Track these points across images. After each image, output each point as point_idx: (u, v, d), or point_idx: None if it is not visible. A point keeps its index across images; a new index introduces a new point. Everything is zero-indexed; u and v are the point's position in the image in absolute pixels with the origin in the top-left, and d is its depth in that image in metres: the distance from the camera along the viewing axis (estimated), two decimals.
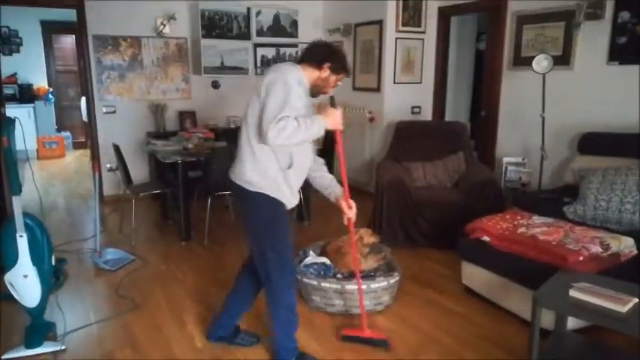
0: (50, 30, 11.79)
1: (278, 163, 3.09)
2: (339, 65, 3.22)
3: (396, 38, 7.23)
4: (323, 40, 3.47)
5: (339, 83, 3.32)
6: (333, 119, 3.08)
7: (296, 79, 2.98)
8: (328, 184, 3.53)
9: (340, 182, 3.53)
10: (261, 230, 3.19)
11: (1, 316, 3.98)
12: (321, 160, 3.57)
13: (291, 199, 3.23)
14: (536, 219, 4.27)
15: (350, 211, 3.50)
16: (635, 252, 3.81)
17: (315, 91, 3.22)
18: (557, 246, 3.70)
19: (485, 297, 4.28)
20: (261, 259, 3.23)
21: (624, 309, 2.78)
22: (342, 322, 4.00)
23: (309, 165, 3.34)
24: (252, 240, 3.28)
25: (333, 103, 3.20)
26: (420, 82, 7.58)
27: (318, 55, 3.19)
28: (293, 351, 3.40)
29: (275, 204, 3.15)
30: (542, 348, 3.10)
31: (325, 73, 3.19)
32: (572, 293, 2.97)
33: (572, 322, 3.50)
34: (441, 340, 3.78)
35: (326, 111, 3.09)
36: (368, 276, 4.20)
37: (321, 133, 3.00)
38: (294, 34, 8.24)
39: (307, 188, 5.75)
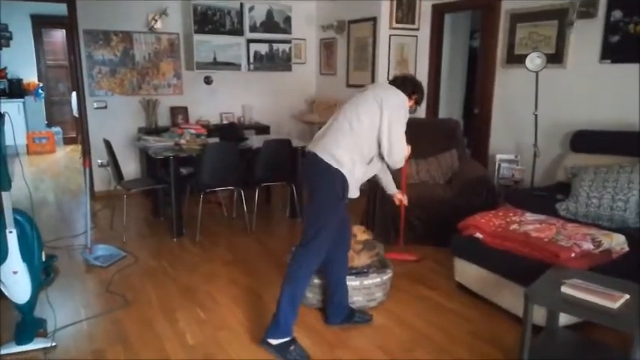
0: (40, 24, 11.72)
1: (363, 156, 3.47)
2: (421, 97, 3.79)
3: (390, 35, 7.23)
4: (411, 75, 4.02)
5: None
6: (408, 150, 3.74)
7: (407, 106, 3.58)
8: (390, 180, 4.15)
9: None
10: (322, 202, 3.45)
11: None
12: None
13: (355, 189, 3.50)
14: (529, 216, 4.28)
15: (405, 199, 4.30)
16: (627, 249, 3.82)
17: None
18: (549, 243, 3.70)
19: (478, 293, 4.28)
20: (310, 234, 3.46)
21: (615, 305, 2.79)
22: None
23: (376, 168, 3.74)
24: (313, 210, 3.52)
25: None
26: None
27: (408, 86, 3.68)
28: (290, 332, 3.53)
29: (346, 185, 3.40)
30: (534, 344, 3.10)
31: (411, 102, 3.69)
32: (564, 290, 2.98)
33: (563, 319, 3.50)
34: (433, 336, 3.78)
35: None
36: (361, 272, 4.19)
37: (405, 154, 3.63)
38: (287, 31, 8.22)
39: (301, 187, 5.75)
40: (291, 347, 3.46)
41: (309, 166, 3.52)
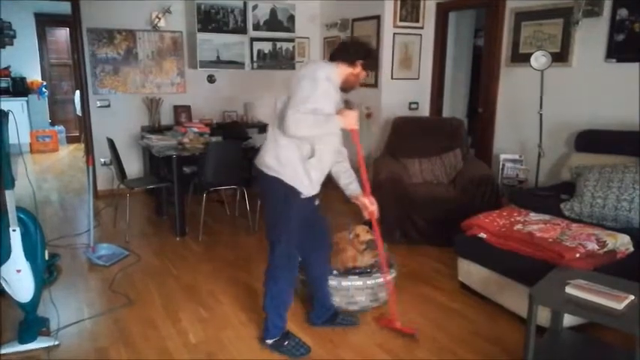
0: (44, 23, 11.72)
1: (300, 152, 3.26)
2: (370, 63, 3.45)
3: (394, 34, 7.20)
4: (356, 38, 3.73)
5: (366, 77, 3.55)
6: (349, 120, 3.25)
7: (325, 75, 3.17)
8: (346, 181, 3.73)
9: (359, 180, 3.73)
10: (271, 211, 3.43)
11: None
12: (344, 151, 3.75)
13: (308, 188, 3.37)
14: (533, 216, 4.27)
15: (372, 205, 3.74)
16: (632, 249, 3.81)
17: (346, 86, 3.38)
18: (553, 243, 3.69)
19: (482, 294, 4.27)
20: (269, 235, 3.47)
21: (620, 306, 2.78)
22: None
23: (330, 158, 3.50)
24: (266, 219, 3.52)
25: (349, 105, 3.38)
26: (418, 78, 7.56)
27: (352, 53, 3.35)
28: (281, 329, 3.59)
29: (288, 190, 3.30)
30: (537, 345, 3.09)
31: (357, 69, 3.36)
32: (569, 290, 2.97)
33: (568, 319, 3.49)
34: (436, 336, 3.78)
35: (343, 112, 3.25)
36: (364, 272, 4.18)
37: (336, 130, 3.30)
38: (290, 29, 8.20)
39: None
40: (286, 342, 3.54)
41: (256, 179, 3.51)
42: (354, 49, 3.39)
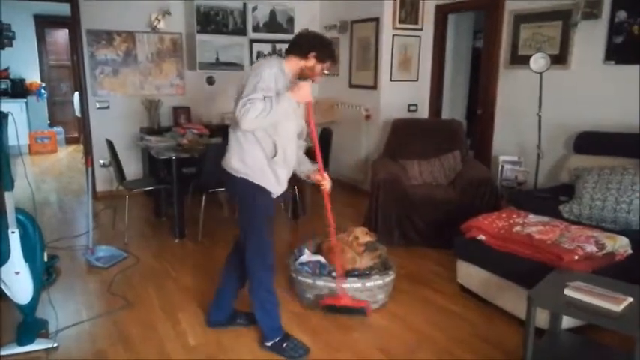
0: (43, 24, 11.71)
1: (263, 152, 3.28)
2: (324, 54, 3.36)
3: (393, 35, 7.21)
4: (308, 30, 3.67)
5: (327, 71, 3.45)
6: (302, 91, 3.15)
7: (273, 71, 3.16)
8: (301, 161, 3.69)
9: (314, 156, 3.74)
10: (243, 213, 3.42)
11: None
12: (302, 144, 3.72)
13: (276, 187, 3.40)
14: (532, 218, 4.27)
15: (325, 182, 3.69)
16: (630, 251, 3.81)
17: (304, 77, 3.33)
18: (552, 245, 3.69)
19: (481, 296, 4.27)
20: (244, 240, 3.46)
21: (619, 308, 2.80)
22: (336, 321, 3.98)
23: (293, 154, 3.49)
24: (239, 222, 3.49)
25: (302, 76, 3.33)
26: (417, 80, 7.57)
27: (303, 45, 3.34)
28: (278, 330, 3.59)
29: (257, 190, 3.33)
30: (536, 347, 3.09)
31: (310, 62, 3.33)
32: (567, 292, 2.98)
33: (566, 321, 3.50)
34: (435, 338, 3.78)
35: (294, 85, 3.17)
36: (363, 274, 4.19)
37: (291, 106, 3.14)
38: (290, 31, 8.21)
39: (303, 184, 5.75)
40: (284, 344, 3.53)
41: (224, 180, 3.50)
42: (305, 40, 3.37)
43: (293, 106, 3.17)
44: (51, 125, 11.97)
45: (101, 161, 7.16)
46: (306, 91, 3.17)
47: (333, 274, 4.19)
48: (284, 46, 7.88)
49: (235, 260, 3.71)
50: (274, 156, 3.29)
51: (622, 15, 5.08)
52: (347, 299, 3.95)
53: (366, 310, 3.94)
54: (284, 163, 3.39)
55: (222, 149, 5.74)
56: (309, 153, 3.76)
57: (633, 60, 5.03)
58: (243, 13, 7.80)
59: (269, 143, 3.27)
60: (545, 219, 4.24)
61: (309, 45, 3.33)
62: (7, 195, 3.38)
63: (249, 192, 3.33)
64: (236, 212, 3.53)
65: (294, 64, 3.33)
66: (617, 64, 5.17)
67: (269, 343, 3.56)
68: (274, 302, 3.59)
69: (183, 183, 5.79)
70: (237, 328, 3.84)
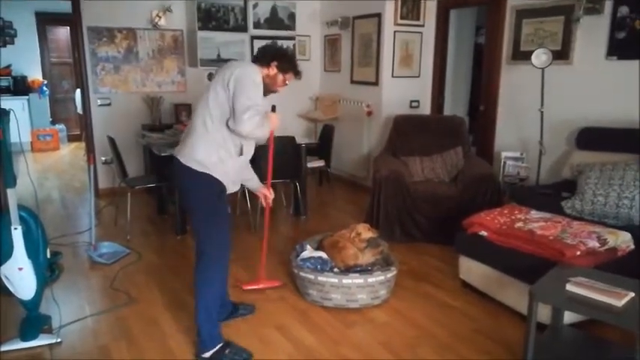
0: (45, 21, 11.72)
1: (229, 150, 3.34)
2: (285, 65, 3.52)
3: (395, 31, 7.21)
4: (274, 43, 3.85)
5: (288, 83, 3.59)
6: (275, 123, 3.55)
7: (259, 77, 3.31)
8: (248, 177, 3.85)
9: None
10: (201, 208, 3.39)
11: None
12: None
13: (231, 185, 3.51)
14: (534, 214, 4.27)
15: (271, 195, 4.02)
16: (632, 247, 3.81)
17: (265, 89, 3.41)
18: (554, 240, 3.69)
19: (482, 291, 4.28)
20: (198, 235, 3.43)
21: (620, 303, 2.79)
22: (338, 317, 3.99)
23: (249, 158, 3.61)
24: (192, 217, 3.49)
25: (274, 109, 3.63)
26: (419, 76, 7.56)
27: (267, 55, 3.52)
28: (217, 337, 3.45)
29: (218, 185, 3.36)
30: (538, 342, 3.09)
31: (273, 71, 3.48)
32: (569, 287, 2.98)
33: (568, 317, 3.50)
34: (437, 333, 3.78)
35: (271, 115, 3.51)
36: (365, 270, 4.20)
37: (268, 132, 3.49)
38: (291, 27, 8.21)
39: (305, 181, 5.76)
40: (227, 351, 3.41)
41: (177, 174, 3.44)
42: (267, 50, 3.59)
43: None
44: (53, 122, 11.98)
45: (103, 158, 7.17)
46: (277, 122, 3.58)
47: (335, 270, 4.21)
48: (285, 43, 8.03)
49: None
50: (240, 155, 3.42)
51: (624, 10, 5.07)
52: (263, 282, 4.48)
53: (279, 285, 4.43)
54: (244, 163, 3.59)
55: None
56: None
57: (636, 55, 5.02)
58: (244, 9, 7.79)
59: (237, 144, 3.37)
60: (547, 215, 4.24)
61: (271, 55, 3.51)
62: (9, 192, 3.39)
63: (210, 186, 3.34)
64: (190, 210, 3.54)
65: (260, 72, 3.42)
66: (620, 60, 5.16)
67: (208, 354, 3.38)
68: (217, 305, 3.50)
69: None
70: (242, 324, 3.84)
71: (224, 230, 3.46)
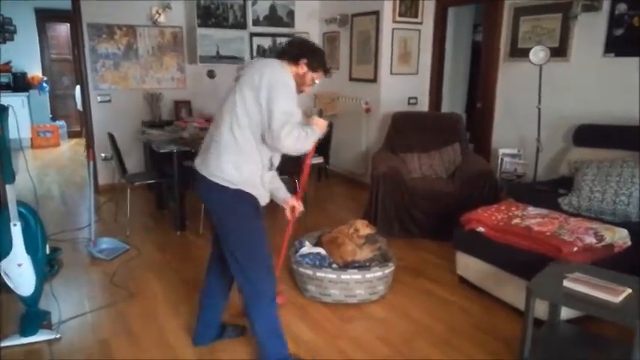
0: (44, 18, 11.72)
1: (260, 163, 3.01)
2: (316, 63, 3.16)
3: (393, 29, 7.22)
4: (301, 37, 3.43)
5: (317, 82, 3.25)
6: (323, 129, 3.12)
7: (291, 80, 2.96)
8: (276, 185, 3.43)
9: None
10: (238, 230, 3.04)
11: None
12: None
13: (264, 198, 3.18)
14: (531, 210, 4.29)
15: (299, 208, 3.51)
16: (629, 243, 3.83)
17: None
18: (551, 237, 3.71)
19: (480, 287, 4.30)
20: (236, 262, 3.06)
21: (617, 299, 2.81)
22: (337, 312, 4.01)
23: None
24: (228, 239, 3.07)
25: (321, 113, 3.29)
26: (417, 73, 7.57)
27: (295, 51, 3.14)
28: (285, 356, 3.21)
29: (253, 201, 3.05)
30: (535, 337, 3.12)
31: (302, 69, 3.12)
32: (566, 283, 2.99)
33: (565, 312, 3.51)
34: (434, 328, 3.81)
35: (317, 121, 3.11)
36: (363, 266, 4.22)
37: (315, 142, 3.06)
38: (290, 24, 8.22)
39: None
40: None
41: (203, 191, 3.08)
42: (296, 46, 3.21)
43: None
44: (53, 119, 11.99)
45: (103, 154, 7.17)
46: (324, 127, 3.14)
47: (333, 266, 4.23)
48: (284, 40, 8.00)
49: (216, 282, 3.50)
50: (270, 169, 3.13)
51: (622, 7, 5.08)
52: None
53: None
54: (271, 176, 3.25)
55: None
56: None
57: (633, 52, 5.03)
58: (243, 6, 7.80)
59: (267, 156, 3.05)
60: (545, 211, 4.26)
61: (302, 51, 3.14)
62: (8, 188, 3.40)
63: (245, 204, 3.01)
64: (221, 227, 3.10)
65: (289, 69, 3.08)
66: (618, 57, 5.18)
67: None
68: (278, 320, 3.21)
69: (184, 176, 5.80)
70: (242, 321, 3.85)
71: (264, 254, 3.11)
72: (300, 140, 2.82)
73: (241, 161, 2.95)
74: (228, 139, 2.93)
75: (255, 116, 2.88)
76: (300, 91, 3.11)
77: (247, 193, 2.99)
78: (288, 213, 3.53)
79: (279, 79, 2.88)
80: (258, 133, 2.91)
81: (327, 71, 3.26)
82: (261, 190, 3.10)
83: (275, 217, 4.36)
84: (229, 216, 3.03)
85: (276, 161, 3.20)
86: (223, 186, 2.94)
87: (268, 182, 3.18)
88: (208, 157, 3.01)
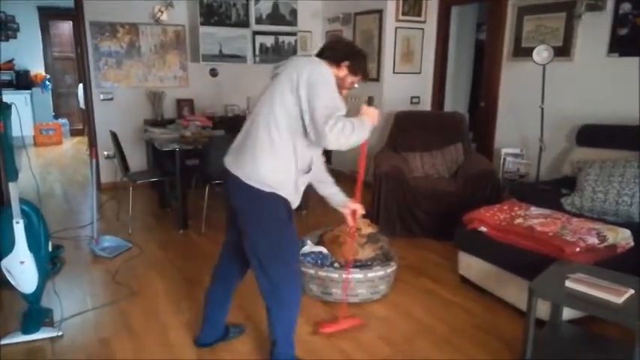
0: (47, 16, 11.73)
1: (297, 166, 2.89)
2: (358, 66, 3.06)
3: (396, 28, 7.21)
4: (345, 38, 3.29)
5: (356, 85, 3.14)
6: (375, 117, 2.96)
7: (332, 77, 2.82)
8: (332, 190, 3.43)
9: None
10: (268, 235, 2.94)
11: None
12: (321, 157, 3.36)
13: (296, 201, 3.05)
14: (534, 210, 4.28)
15: (360, 211, 3.45)
16: (632, 244, 3.82)
17: None
18: (554, 237, 3.70)
19: (482, 287, 4.29)
20: (262, 268, 2.98)
21: (620, 300, 2.80)
22: (339, 311, 4.00)
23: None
24: (255, 241, 2.98)
25: (371, 102, 3.13)
26: (420, 73, 7.57)
27: (339, 52, 3.02)
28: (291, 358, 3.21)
29: (286, 205, 2.95)
30: (537, 338, 3.11)
31: (343, 72, 3.01)
32: (568, 284, 2.98)
33: (567, 313, 3.51)
34: (435, 328, 3.80)
35: (367, 110, 2.95)
36: (365, 265, 4.21)
37: (368, 133, 2.85)
38: (293, 23, 8.20)
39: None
40: None
41: (233, 192, 2.97)
42: (340, 47, 3.09)
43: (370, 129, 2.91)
44: (55, 117, 12.02)
45: (105, 153, 7.18)
46: (377, 118, 2.98)
47: (335, 265, 4.22)
48: (287, 38, 8.03)
49: (224, 283, 3.44)
50: (307, 172, 3.01)
51: (627, 7, 5.07)
52: (343, 322, 3.77)
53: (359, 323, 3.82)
54: (308, 178, 3.10)
55: (225, 141, 5.79)
56: None
57: (637, 52, 5.03)
58: (246, 4, 7.78)
59: (307, 159, 2.95)
60: (547, 211, 4.25)
61: (344, 53, 3.03)
62: (11, 185, 3.40)
63: (280, 208, 2.92)
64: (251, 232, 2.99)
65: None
66: (621, 57, 5.17)
67: None
68: (295, 325, 3.19)
69: (186, 174, 5.81)
70: (243, 320, 3.86)
71: (295, 261, 3.09)
72: (346, 133, 2.63)
73: (277, 164, 2.83)
74: (264, 140, 2.81)
75: (294, 116, 2.77)
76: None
77: (281, 197, 2.89)
78: (349, 218, 3.47)
79: (319, 76, 2.76)
80: (298, 134, 2.81)
81: (366, 76, 3.17)
82: (294, 193, 2.98)
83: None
84: (260, 217, 2.92)
85: (316, 164, 3.10)
86: (257, 188, 2.83)
87: (302, 185, 3.05)
88: (243, 157, 2.89)
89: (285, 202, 2.92)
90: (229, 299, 3.49)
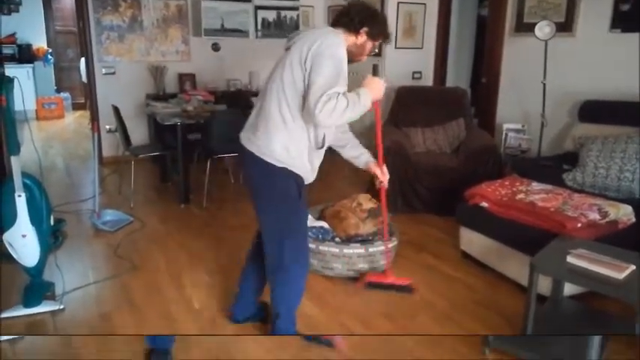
0: None
1: (309, 141, 2.82)
2: (377, 31, 2.88)
3: (398, 2, 7.15)
4: (361, 1, 3.02)
5: (376, 50, 3.02)
6: (378, 88, 2.80)
7: (342, 51, 2.66)
8: (356, 152, 3.41)
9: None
10: (278, 209, 2.92)
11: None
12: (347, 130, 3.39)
13: (311, 175, 2.99)
14: (535, 185, 4.27)
15: (384, 176, 3.40)
16: (633, 220, 3.81)
17: (349, 58, 2.75)
18: (555, 212, 3.70)
19: (483, 262, 4.30)
20: (271, 242, 2.98)
21: (621, 276, 2.79)
22: (340, 286, 4.02)
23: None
24: (263, 219, 2.99)
25: (376, 71, 2.98)
26: (421, 48, 7.52)
27: (355, 18, 2.82)
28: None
29: (299, 180, 2.89)
30: (538, 313, 3.11)
31: (362, 39, 2.86)
32: (570, 259, 2.98)
33: (568, 288, 3.52)
34: (437, 303, 3.81)
35: (370, 81, 2.79)
36: (366, 240, 4.21)
37: (369, 106, 2.71)
38: None
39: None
40: None
41: (247, 166, 2.94)
42: (357, 13, 2.83)
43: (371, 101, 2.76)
44: (58, 91, 11.99)
45: (107, 127, 7.17)
46: (382, 88, 2.82)
47: (336, 239, 4.23)
48: (289, 13, 7.97)
49: (254, 263, 3.36)
50: (320, 148, 2.92)
51: None
52: (392, 277, 3.85)
53: (411, 289, 3.81)
54: (322, 152, 3.01)
55: (227, 115, 5.78)
56: None
57: None
58: None
59: (320, 135, 2.85)
60: (549, 187, 4.24)
61: (363, 18, 2.82)
62: (13, 159, 3.40)
63: (291, 183, 2.87)
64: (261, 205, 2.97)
65: (346, 40, 2.78)
66: (624, 32, 5.13)
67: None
68: (297, 303, 3.20)
69: (188, 149, 5.81)
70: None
71: (304, 237, 3.06)
72: (338, 111, 2.50)
73: (290, 141, 2.76)
74: (277, 118, 2.74)
75: (303, 93, 2.66)
76: (356, 61, 2.91)
77: (293, 172, 2.84)
78: (379, 173, 3.41)
79: (327, 49, 2.61)
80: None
81: (387, 37, 2.99)
82: (309, 169, 2.93)
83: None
84: (271, 193, 2.89)
85: (329, 139, 2.98)
86: (270, 163, 2.78)
87: (317, 159, 2.98)
88: (256, 132, 2.84)
89: (297, 177, 2.87)
90: (262, 280, 3.34)
